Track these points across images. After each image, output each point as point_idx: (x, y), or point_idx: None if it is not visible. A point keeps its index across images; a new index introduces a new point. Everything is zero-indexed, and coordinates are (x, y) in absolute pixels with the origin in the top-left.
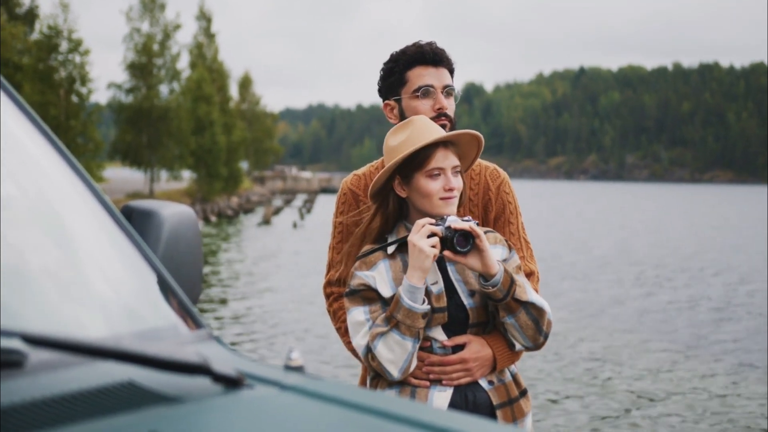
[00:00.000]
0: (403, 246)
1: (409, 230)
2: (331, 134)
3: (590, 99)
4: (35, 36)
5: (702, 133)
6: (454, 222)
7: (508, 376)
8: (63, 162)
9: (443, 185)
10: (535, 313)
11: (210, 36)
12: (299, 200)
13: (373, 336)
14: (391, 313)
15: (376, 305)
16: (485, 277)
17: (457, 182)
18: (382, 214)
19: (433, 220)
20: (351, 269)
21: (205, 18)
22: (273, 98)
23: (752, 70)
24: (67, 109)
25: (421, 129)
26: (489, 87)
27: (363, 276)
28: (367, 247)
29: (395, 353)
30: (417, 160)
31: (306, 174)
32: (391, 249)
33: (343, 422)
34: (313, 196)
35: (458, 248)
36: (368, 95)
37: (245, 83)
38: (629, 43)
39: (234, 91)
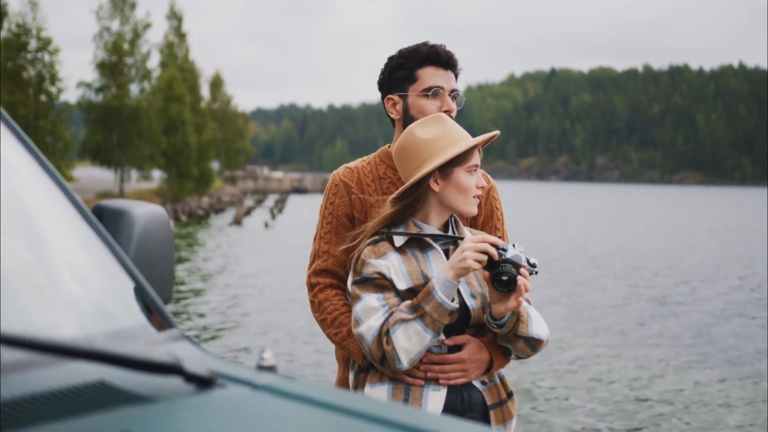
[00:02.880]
0: (412, 241)
1: (418, 227)
2: (303, 134)
3: (561, 100)
4: (3, 34)
5: (672, 134)
6: (518, 259)
7: (497, 378)
8: (34, 161)
9: (477, 182)
10: (534, 342)
11: (181, 35)
12: (270, 200)
13: (394, 320)
14: (419, 302)
15: (390, 293)
16: (493, 315)
17: None
18: (409, 208)
19: (498, 241)
20: (358, 254)
21: (175, 17)
22: (244, 98)
23: (721, 73)
24: (36, 109)
25: (455, 126)
26: (460, 88)
27: (377, 264)
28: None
29: (412, 342)
30: (460, 156)
31: (277, 174)
32: (399, 242)
33: (315, 422)
34: (285, 196)
35: (496, 285)
36: (340, 96)
37: (216, 83)
38: (600, 45)
39: (205, 90)
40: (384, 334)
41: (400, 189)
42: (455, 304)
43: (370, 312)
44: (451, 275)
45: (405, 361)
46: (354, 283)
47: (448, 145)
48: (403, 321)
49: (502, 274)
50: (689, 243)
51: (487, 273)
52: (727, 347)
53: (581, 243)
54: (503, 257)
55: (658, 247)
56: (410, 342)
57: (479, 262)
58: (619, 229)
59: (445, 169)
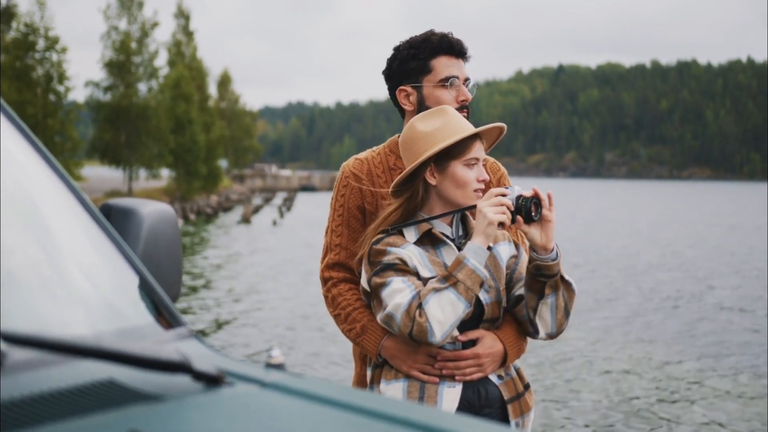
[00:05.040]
0: (424, 238)
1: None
2: (311, 132)
3: (569, 97)
4: (12, 34)
5: (680, 130)
6: (522, 190)
7: (513, 371)
8: (42, 161)
9: (477, 176)
10: (567, 294)
11: (188, 34)
12: (279, 198)
13: (427, 291)
14: (450, 272)
15: (413, 277)
16: (540, 253)
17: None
18: (410, 203)
19: (506, 191)
20: (370, 247)
21: (183, 16)
22: (252, 96)
23: (730, 68)
24: (44, 108)
25: (457, 119)
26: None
27: (397, 251)
28: (383, 234)
29: (446, 313)
30: (456, 149)
31: (285, 172)
32: (412, 238)
33: (323, 419)
34: (293, 194)
35: (534, 216)
36: (347, 93)
37: (224, 81)
38: (608, 40)
39: (213, 89)
40: (416, 307)
41: (394, 182)
42: (486, 273)
43: (395, 293)
44: (480, 240)
45: (438, 334)
46: (375, 273)
47: (445, 137)
48: (436, 290)
49: (528, 207)
50: (692, 238)
51: (519, 218)
52: (735, 340)
53: (579, 237)
54: (514, 197)
55: (657, 242)
56: (444, 313)
57: (503, 213)
58: (620, 224)
59: (442, 162)
